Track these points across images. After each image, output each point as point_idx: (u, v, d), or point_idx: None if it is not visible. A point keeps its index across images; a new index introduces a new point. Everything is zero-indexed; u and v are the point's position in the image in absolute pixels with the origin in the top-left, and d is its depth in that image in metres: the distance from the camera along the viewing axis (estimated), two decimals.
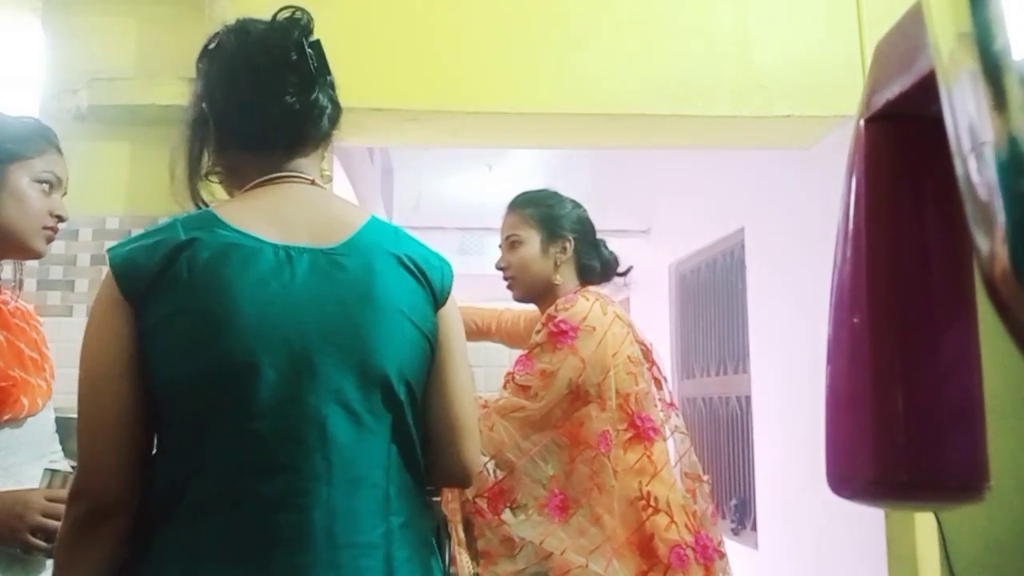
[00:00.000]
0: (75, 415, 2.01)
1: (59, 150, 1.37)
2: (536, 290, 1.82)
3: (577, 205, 1.88)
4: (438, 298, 1.08)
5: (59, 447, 1.50)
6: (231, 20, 1.13)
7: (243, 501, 0.92)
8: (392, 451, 1.00)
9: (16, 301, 1.39)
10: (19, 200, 1.29)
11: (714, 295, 4.14)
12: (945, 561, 2.12)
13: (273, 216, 1.02)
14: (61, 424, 1.54)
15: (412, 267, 1.05)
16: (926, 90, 0.45)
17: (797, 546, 3.13)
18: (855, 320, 0.57)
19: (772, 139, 2.83)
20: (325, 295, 0.98)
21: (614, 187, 4.86)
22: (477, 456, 1.13)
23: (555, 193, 1.90)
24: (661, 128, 2.69)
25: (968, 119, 0.37)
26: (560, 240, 1.80)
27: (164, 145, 2.77)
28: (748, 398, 3.63)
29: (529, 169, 4.08)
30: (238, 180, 1.09)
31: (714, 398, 4.08)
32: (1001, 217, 0.34)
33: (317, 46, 1.10)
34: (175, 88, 2.52)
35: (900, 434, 0.55)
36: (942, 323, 0.56)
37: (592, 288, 1.82)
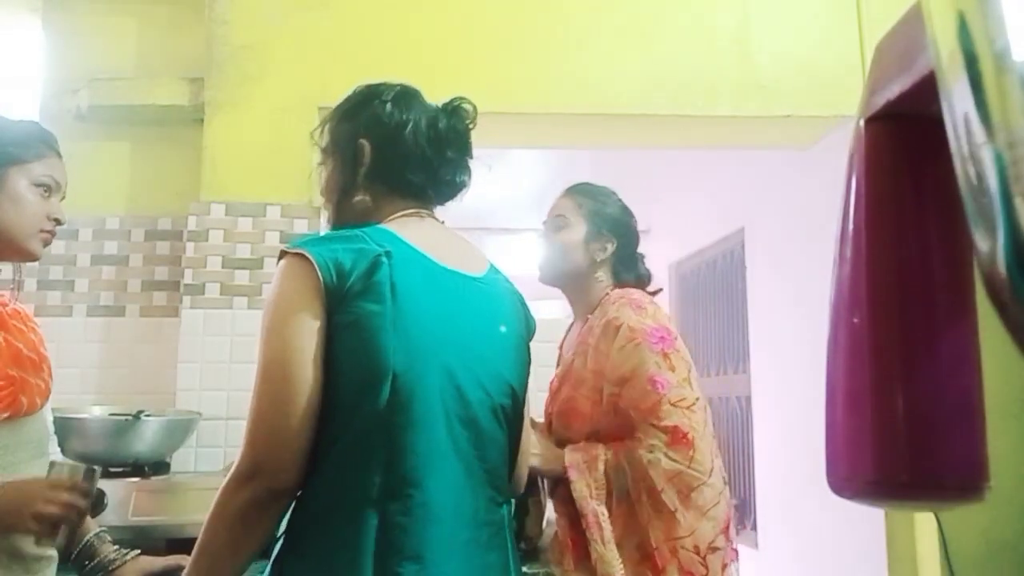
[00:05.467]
0: (75, 415, 2.01)
1: (59, 154, 1.38)
2: (564, 278, 1.80)
3: (629, 213, 1.86)
4: (531, 333, 1.31)
5: (58, 448, 1.50)
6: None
7: (411, 491, 1.03)
8: (508, 450, 1.19)
9: (15, 302, 1.39)
10: (17, 203, 1.29)
11: (714, 295, 4.14)
12: (945, 561, 2.12)
13: (434, 243, 1.17)
14: (61, 424, 1.55)
15: (522, 303, 1.29)
16: (926, 90, 0.45)
17: (797, 546, 3.13)
18: (855, 320, 0.57)
19: (772, 139, 2.83)
20: (482, 316, 1.18)
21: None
22: (526, 476, 1.34)
23: (613, 193, 1.87)
24: (661, 128, 2.69)
25: (968, 119, 0.37)
26: (603, 239, 1.78)
27: (164, 145, 2.77)
28: (748, 398, 3.63)
29: (529, 169, 4.08)
30: (377, 211, 1.22)
31: (714, 398, 4.09)
32: (1000, 219, 0.34)
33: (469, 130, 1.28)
34: (175, 88, 2.52)
35: (900, 434, 0.55)
36: (942, 323, 0.56)
37: (634, 293, 1.76)
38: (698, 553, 1.51)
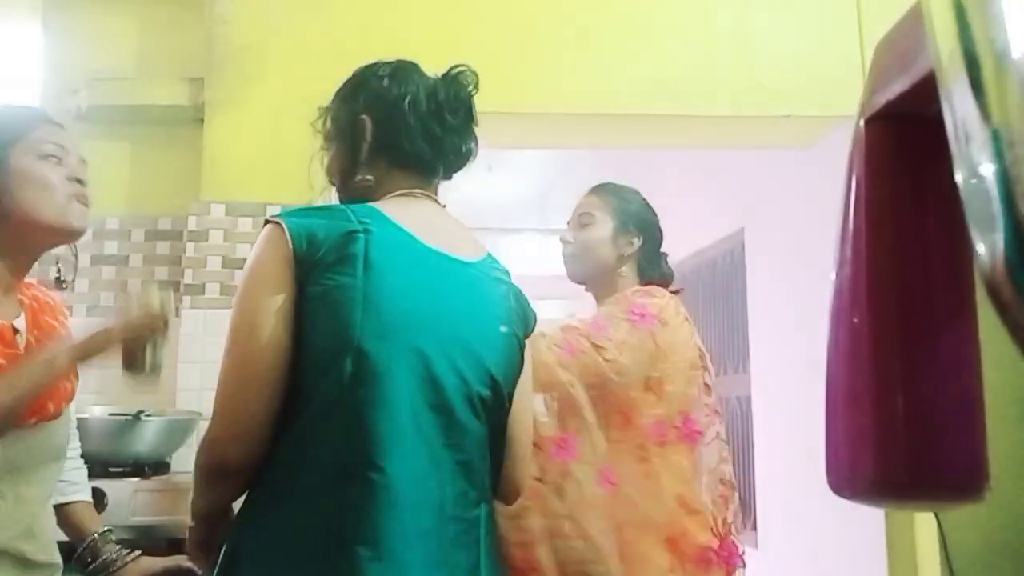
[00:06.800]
0: (88, 416, 2.01)
1: (55, 123, 1.30)
2: (591, 274, 1.82)
3: (652, 211, 1.88)
4: (528, 329, 1.25)
5: (78, 444, 1.51)
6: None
7: (371, 474, 0.99)
8: (488, 446, 1.13)
9: (46, 294, 1.37)
10: (31, 181, 1.21)
11: (714, 295, 4.14)
12: (945, 561, 2.12)
13: (425, 224, 1.14)
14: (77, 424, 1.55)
15: (519, 297, 1.24)
16: (926, 90, 0.45)
17: (797, 546, 3.13)
18: (855, 320, 0.57)
19: (772, 139, 2.83)
20: (464, 300, 1.13)
21: None
22: (525, 480, 1.28)
23: (638, 192, 1.90)
24: (661, 128, 2.69)
25: (968, 119, 0.37)
26: (629, 235, 1.80)
27: (164, 145, 2.77)
28: (748, 398, 3.63)
29: (529, 169, 4.08)
30: (380, 189, 1.19)
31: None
32: (1000, 219, 0.34)
33: (472, 97, 1.25)
34: (175, 88, 2.52)
35: (900, 434, 0.54)
36: (942, 323, 0.56)
37: (657, 287, 1.80)
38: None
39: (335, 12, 2.53)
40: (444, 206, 1.23)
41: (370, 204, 1.13)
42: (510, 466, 1.22)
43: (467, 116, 1.24)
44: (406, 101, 1.19)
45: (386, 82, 1.21)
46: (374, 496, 0.98)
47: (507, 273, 1.24)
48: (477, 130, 1.27)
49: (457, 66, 1.23)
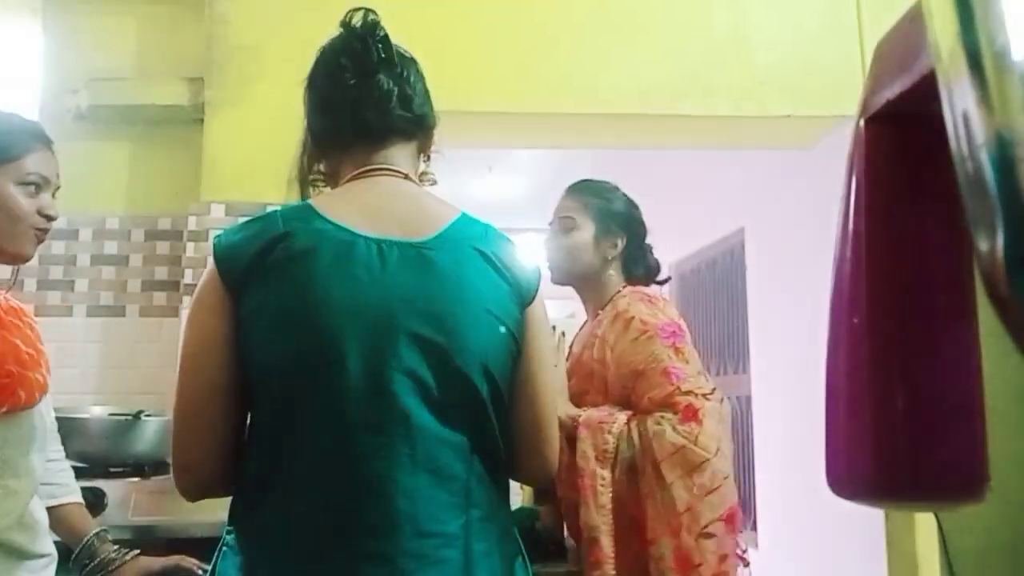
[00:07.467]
0: (75, 415, 2.01)
1: (47, 146, 1.33)
2: (576, 278, 1.80)
3: (634, 205, 1.85)
4: (524, 296, 1.08)
5: (60, 446, 1.51)
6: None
7: (329, 488, 0.95)
8: (472, 444, 1.01)
9: (7, 299, 1.38)
10: (3, 206, 1.26)
11: (714, 295, 4.14)
12: (945, 561, 2.12)
13: (365, 208, 1.04)
14: (61, 424, 1.55)
15: (499, 264, 1.06)
16: (926, 90, 0.45)
17: (797, 546, 3.13)
18: (855, 320, 0.57)
19: (772, 139, 2.83)
20: (413, 289, 0.99)
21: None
22: (555, 457, 1.15)
23: (616, 188, 1.87)
24: (661, 128, 2.69)
25: (968, 119, 0.37)
26: (613, 236, 1.78)
27: (164, 145, 2.77)
28: (748, 398, 3.63)
29: (529, 169, 4.08)
30: (338, 178, 1.14)
31: None
32: (1000, 219, 0.34)
33: (384, 39, 1.15)
34: (175, 88, 2.52)
35: (900, 434, 0.54)
36: (942, 323, 0.56)
37: (645, 289, 1.78)
38: (690, 534, 1.49)
39: (335, 12, 2.53)
40: (406, 176, 1.11)
41: (306, 201, 1.08)
42: (535, 448, 1.11)
43: (361, 56, 1.12)
44: (316, 81, 1.16)
45: (311, 73, 1.18)
46: (323, 521, 0.95)
47: (485, 237, 1.08)
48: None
49: (354, 12, 1.15)
